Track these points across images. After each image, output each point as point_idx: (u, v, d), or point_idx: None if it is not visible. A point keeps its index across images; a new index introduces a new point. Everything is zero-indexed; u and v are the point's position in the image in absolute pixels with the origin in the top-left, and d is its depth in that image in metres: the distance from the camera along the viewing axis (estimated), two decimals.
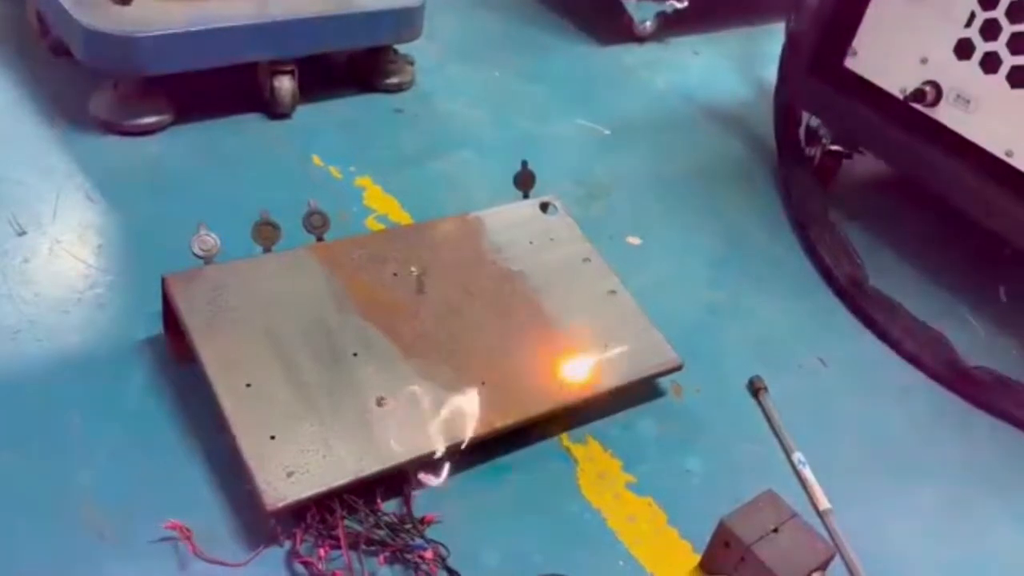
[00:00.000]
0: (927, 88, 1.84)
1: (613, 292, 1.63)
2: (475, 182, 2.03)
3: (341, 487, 1.24)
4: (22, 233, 1.67)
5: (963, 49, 1.79)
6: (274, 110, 2.10)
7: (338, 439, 1.28)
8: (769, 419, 1.58)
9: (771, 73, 2.29)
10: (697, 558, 1.32)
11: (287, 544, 1.23)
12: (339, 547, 1.21)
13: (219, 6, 1.95)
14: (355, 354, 1.40)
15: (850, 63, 2.00)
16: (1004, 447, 1.64)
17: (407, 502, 1.31)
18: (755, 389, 1.63)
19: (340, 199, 1.88)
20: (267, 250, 1.49)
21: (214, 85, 2.05)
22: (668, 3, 2.77)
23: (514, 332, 1.52)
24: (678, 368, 1.57)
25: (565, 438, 1.48)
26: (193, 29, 1.87)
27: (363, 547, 1.23)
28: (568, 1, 2.93)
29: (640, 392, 1.57)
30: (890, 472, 1.55)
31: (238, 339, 1.37)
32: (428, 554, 1.23)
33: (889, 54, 1.92)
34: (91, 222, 1.73)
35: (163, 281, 1.40)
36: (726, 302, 1.85)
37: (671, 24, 2.83)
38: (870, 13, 1.94)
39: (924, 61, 1.85)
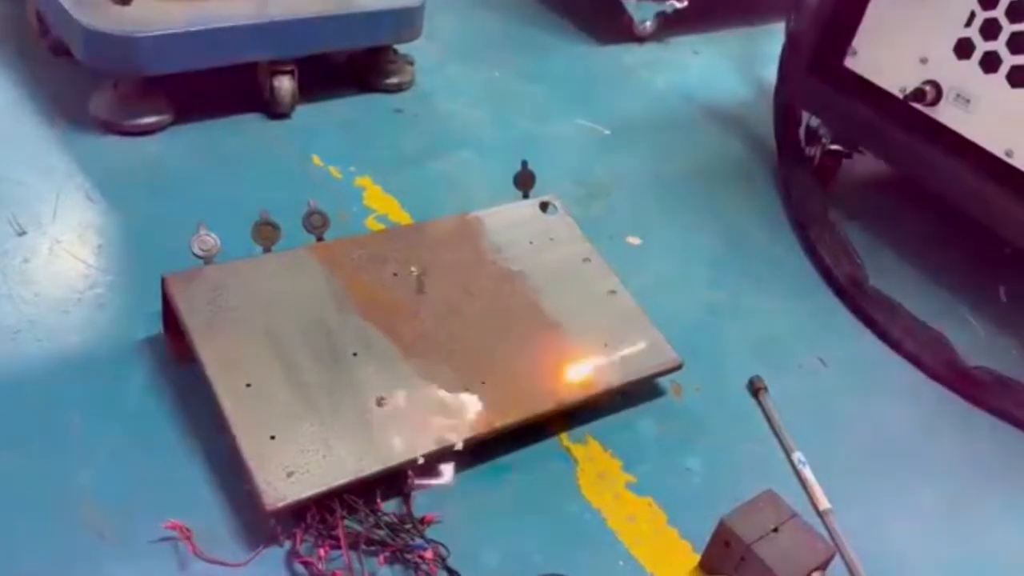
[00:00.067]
0: (927, 88, 1.84)
1: (613, 292, 1.63)
2: (475, 182, 2.03)
3: (341, 487, 1.24)
4: (22, 233, 1.67)
5: (963, 49, 1.79)
6: (274, 110, 2.10)
7: (338, 439, 1.28)
8: (769, 419, 1.58)
9: (771, 73, 2.29)
10: (697, 558, 1.32)
11: (287, 544, 1.23)
12: (339, 547, 1.21)
13: (219, 6, 1.95)
14: (355, 354, 1.40)
15: (850, 63, 2.00)
16: (1004, 447, 1.64)
17: (407, 502, 1.31)
18: (755, 389, 1.63)
19: (340, 199, 1.88)
20: (267, 250, 1.49)
21: (214, 85, 2.05)
22: (668, 3, 2.77)
23: (514, 332, 1.52)
24: (678, 368, 1.57)
25: (565, 438, 1.48)
26: (193, 29, 1.87)
27: (363, 547, 1.23)
28: (568, 1, 2.93)
29: (640, 392, 1.57)
30: (890, 472, 1.55)
31: (238, 339, 1.37)
32: (428, 554, 1.23)
33: (889, 54, 1.92)
34: (91, 222, 1.73)
35: (163, 281, 1.40)
36: (726, 302, 1.85)
37: (671, 24, 2.83)
38: (870, 13, 1.94)
39: (924, 61, 1.85)
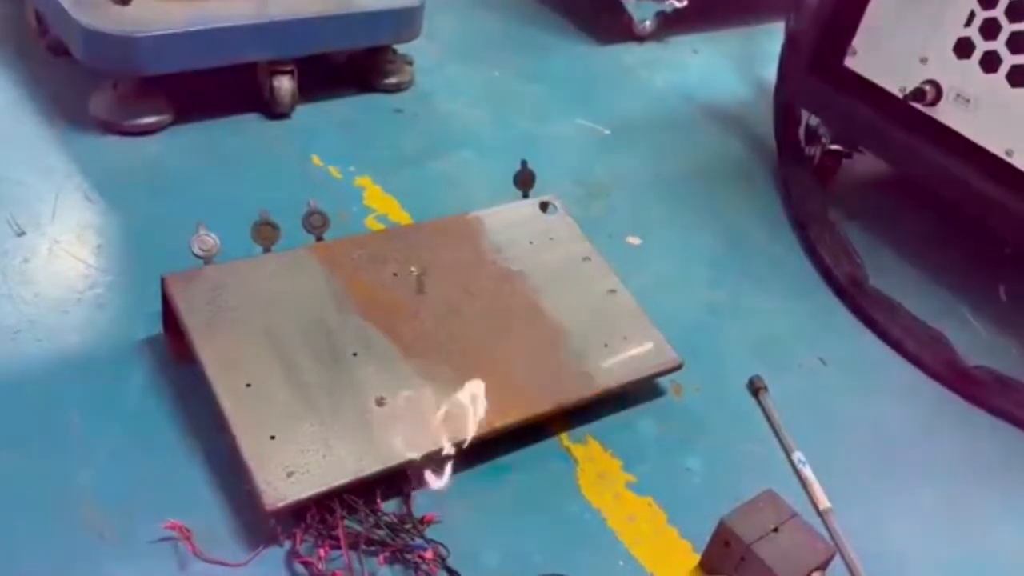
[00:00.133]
0: (927, 87, 1.84)
1: (613, 292, 1.63)
2: (475, 182, 2.03)
3: (341, 487, 1.24)
4: (21, 233, 1.66)
5: (963, 48, 1.79)
6: (273, 110, 2.10)
7: (338, 439, 1.28)
8: (769, 419, 1.58)
9: (771, 72, 2.29)
10: (697, 558, 1.32)
11: (287, 544, 1.23)
12: (339, 547, 1.21)
13: (218, 6, 1.95)
14: (355, 354, 1.40)
15: (850, 62, 2.00)
16: (1004, 446, 1.64)
17: (407, 502, 1.31)
18: (755, 389, 1.63)
19: (340, 199, 1.88)
20: (267, 250, 1.49)
21: (213, 85, 2.05)
22: (668, 2, 2.77)
23: (514, 332, 1.51)
24: (678, 368, 1.57)
25: (565, 438, 1.48)
26: (192, 29, 1.87)
27: (363, 547, 1.22)
28: (568, 1, 2.93)
29: (640, 392, 1.57)
30: (890, 472, 1.55)
31: (238, 339, 1.36)
32: (428, 554, 1.23)
33: (889, 53, 1.92)
34: (90, 222, 1.73)
35: (163, 281, 1.40)
36: (726, 302, 1.85)
37: (671, 23, 2.83)
38: (870, 12, 1.94)
39: (924, 60, 1.85)
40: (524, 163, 1.74)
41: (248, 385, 1.31)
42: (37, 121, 1.95)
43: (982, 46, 1.76)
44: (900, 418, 1.66)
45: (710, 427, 1.55)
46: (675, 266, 1.93)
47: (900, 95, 1.90)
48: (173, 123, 2.00)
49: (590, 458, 1.46)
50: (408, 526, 1.26)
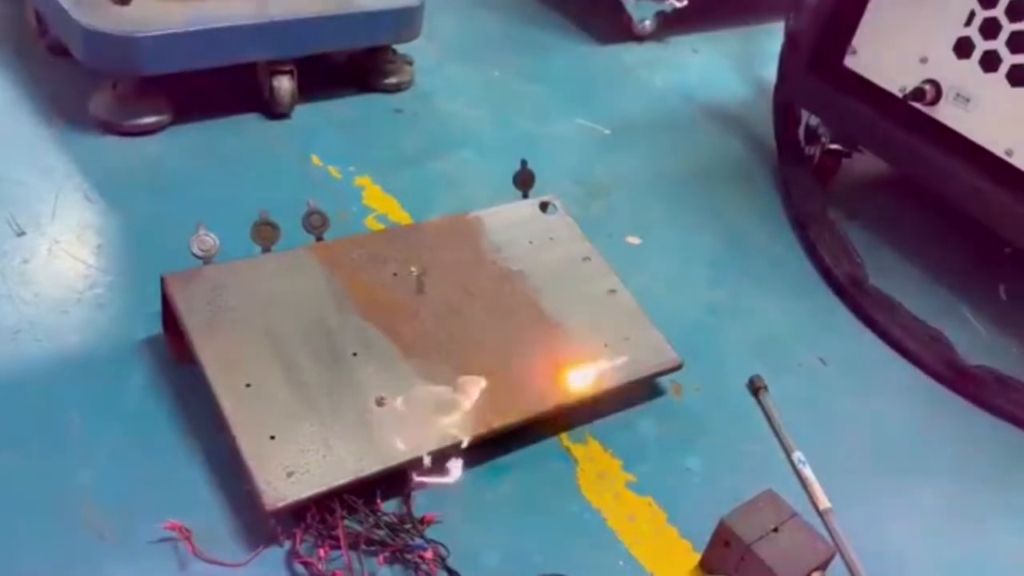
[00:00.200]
0: (927, 87, 1.84)
1: (613, 291, 1.63)
2: (475, 182, 2.03)
3: (341, 487, 1.24)
4: (21, 234, 1.66)
5: (963, 48, 1.79)
6: (273, 110, 2.10)
7: (338, 439, 1.28)
8: (769, 418, 1.58)
9: (771, 72, 2.28)
10: (697, 557, 1.32)
11: (287, 544, 1.23)
12: (339, 547, 1.21)
13: (218, 6, 1.95)
14: (355, 354, 1.40)
15: (850, 62, 2.00)
16: (1004, 446, 1.64)
17: (407, 502, 1.30)
18: (755, 388, 1.63)
19: (339, 199, 1.88)
20: (266, 250, 1.49)
21: (213, 85, 2.05)
22: (667, 2, 2.77)
23: (514, 332, 1.51)
24: (678, 367, 1.57)
25: (565, 438, 1.48)
26: (192, 29, 1.87)
27: (363, 547, 1.22)
28: (568, 1, 2.93)
29: (640, 392, 1.57)
30: (890, 471, 1.54)
31: (238, 339, 1.36)
32: (428, 554, 1.23)
33: (889, 53, 1.92)
34: (90, 222, 1.73)
35: (162, 281, 1.40)
36: (726, 302, 1.85)
37: (670, 23, 2.83)
38: (870, 12, 1.94)
39: (924, 60, 1.85)
40: (524, 163, 1.74)
41: (248, 385, 1.31)
42: (37, 121, 1.95)
43: (982, 45, 1.76)
44: (900, 418, 1.66)
45: (710, 427, 1.55)
46: (675, 266, 1.93)
47: (900, 95, 1.90)
48: (173, 123, 2.00)
49: (590, 458, 1.46)
50: (408, 526, 1.26)
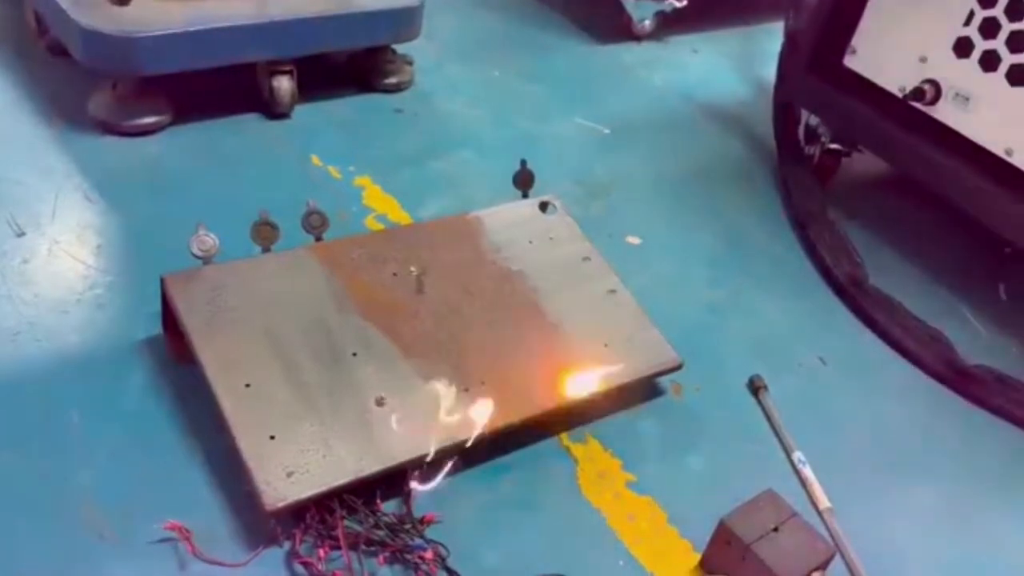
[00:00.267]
0: (926, 86, 1.84)
1: (613, 291, 1.63)
2: (475, 182, 2.03)
3: (341, 487, 1.24)
4: (21, 234, 1.66)
5: (962, 47, 1.79)
6: (273, 110, 2.10)
7: (338, 439, 1.28)
8: (769, 418, 1.58)
9: (770, 71, 2.29)
10: (697, 557, 1.32)
11: (287, 544, 1.23)
12: (339, 547, 1.21)
13: (218, 6, 1.95)
14: (355, 354, 1.40)
15: (849, 61, 2.00)
16: (1004, 446, 1.64)
17: (407, 502, 1.30)
18: (755, 388, 1.63)
19: (339, 199, 1.88)
20: (266, 250, 1.49)
21: (213, 85, 2.05)
22: (667, 2, 2.77)
23: (514, 332, 1.51)
24: (678, 367, 1.56)
25: (565, 438, 1.48)
26: (191, 29, 1.87)
27: (363, 547, 1.22)
28: (568, 1, 2.93)
29: (640, 392, 1.57)
30: (890, 471, 1.54)
31: (237, 339, 1.36)
32: (428, 554, 1.23)
33: (888, 52, 1.92)
34: (90, 222, 1.73)
35: (162, 281, 1.40)
36: (726, 301, 1.85)
37: (670, 23, 2.83)
38: (869, 11, 1.94)
39: (923, 59, 1.85)
40: (524, 163, 1.74)
41: (248, 385, 1.31)
42: (36, 121, 1.95)
43: (981, 45, 1.76)
44: (900, 418, 1.66)
45: (710, 427, 1.55)
46: (675, 266, 1.93)
47: (899, 94, 1.90)
48: (172, 123, 2.00)
49: (590, 458, 1.46)
50: (408, 526, 1.26)
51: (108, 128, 1.95)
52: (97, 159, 1.87)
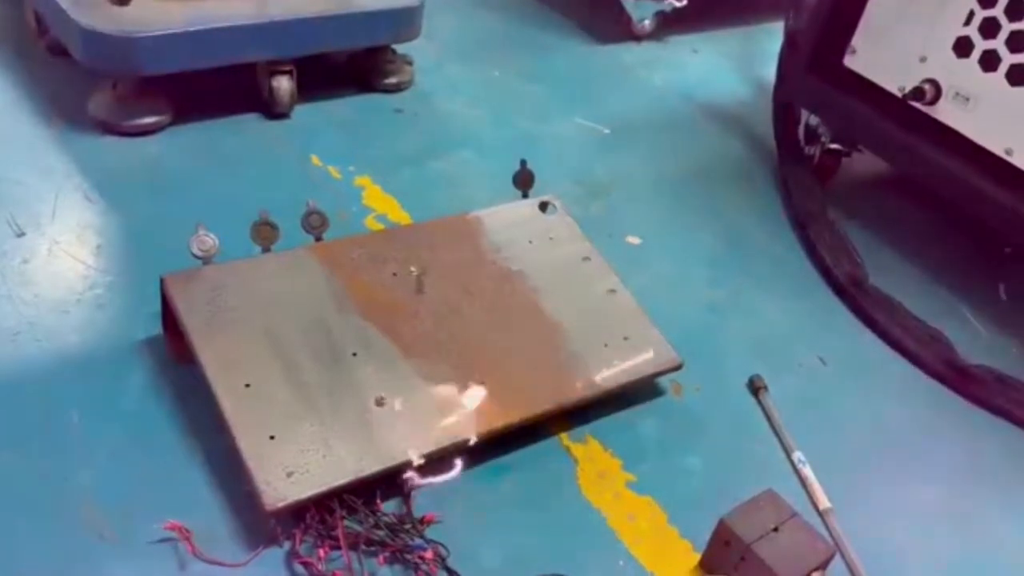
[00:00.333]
0: (926, 86, 1.84)
1: (613, 291, 1.63)
2: (475, 182, 2.03)
3: (341, 487, 1.24)
4: (21, 234, 1.66)
5: (962, 47, 1.79)
6: (273, 110, 2.10)
7: (338, 439, 1.28)
8: (769, 418, 1.58)
9: (770, 71, 2.29)
10: (697, 557, 1.32)
11: (287, 544, 1.23)
12: (339, 547, 1.21)
13: (217, 6, 1.95)
14: (355, 354, 1.40)
15: (849, 61, 2.00)
16: (1004, 446, 1.64)
17: (407, 502, 1.30)
18: (755, 388, 1.63)
19: (339, 199, 1.88)
20: (266, 250, 1.49)
21: (213, 85, 2.05)
22: (667, 2, 2.77)
23: (514, 332, 1.51)
24: (678, 367, 1.56)
25: (565, 438, 1.48)
26: (191, 29, 1.87)
27: (363, 547, 1.22)
28: (568, 1, 2.93)
29: (640, 392, 1.57)
30: (890, 471, 1.54)
31: (237, 339, 1.36)
32: (428, 554, 1.23)
33: (888, 52, 1.92)
34: (90, 222, 1.73)
35: (162, 281, 1.40)
36: (726, 301, 1.85)
37: (670, 23, 2.83)
38: (869, 11, 1.94)
39: (923, 59, 1.85)
40: (524, 163, 1.74)
41: (248, 385, 1.31)
42: (36, 121, 1.95)
43: (981, 45, 1.76)
44: (900, 418, 1.66)
45: (710, 427, 1.55)
46: (675, 266, 1.93)
47: (899, 94, 1.90)
48: (172, 123, 2.00)
49: (590, 458, 1.46)
50: (408, 526, 1.26)
51: (108, 128, 1.95)
52: (97, 159, 1.87)
